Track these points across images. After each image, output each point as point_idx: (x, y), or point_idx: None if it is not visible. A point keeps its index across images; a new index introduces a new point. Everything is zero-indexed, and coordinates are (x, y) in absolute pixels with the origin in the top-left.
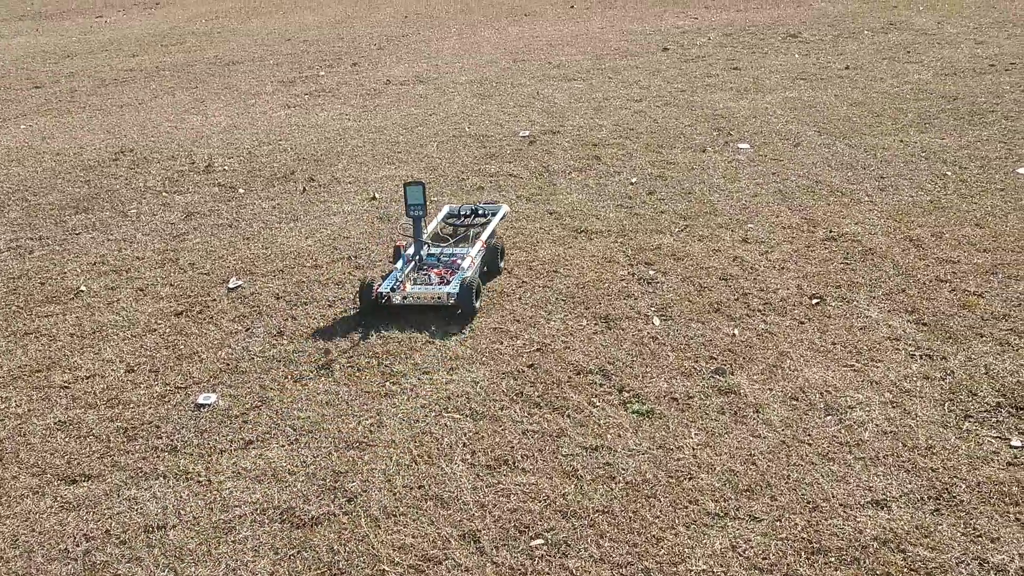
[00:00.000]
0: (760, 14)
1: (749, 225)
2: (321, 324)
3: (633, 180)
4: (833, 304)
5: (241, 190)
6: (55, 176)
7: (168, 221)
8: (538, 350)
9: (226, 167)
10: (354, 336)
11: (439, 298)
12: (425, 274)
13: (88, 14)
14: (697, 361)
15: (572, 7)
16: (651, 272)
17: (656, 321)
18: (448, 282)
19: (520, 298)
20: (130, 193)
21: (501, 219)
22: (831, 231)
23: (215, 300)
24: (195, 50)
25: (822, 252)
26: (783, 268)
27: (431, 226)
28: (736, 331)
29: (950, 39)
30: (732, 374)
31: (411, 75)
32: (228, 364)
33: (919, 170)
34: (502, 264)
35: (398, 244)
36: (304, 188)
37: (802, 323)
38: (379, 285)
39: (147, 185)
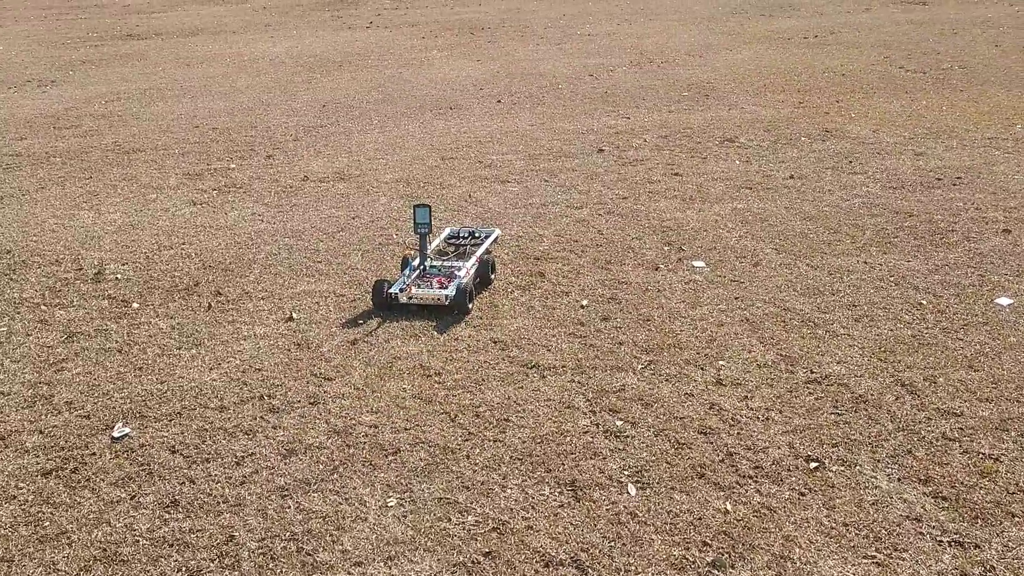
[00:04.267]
0: (693, 116)
1: (720, 362)
2: (226, 491)
3: (584, 303)
4: (834, 469)
5: (135, 305)
6: None
7: (44, 344)
8: (495, 530)
9: (119, 275)
10: (267, 508)
11: (438, 299)
12: (428, 281)
13: None
14: (688, 548)
15: (499, 102)
16: (618, 423)
17: (632, 490)
18: (445, 287)
19: (468, 456)
20: (1, 306)
21: (493, 241)
22: (812, 371)
23: (95, 455)
24: (92, 134)
25: (807, 399)
26: (768, 419)
27: (434, 244)
28: (729, 505)
29: (889, 149)
30: (732, 567)
31: (331, 171)
32: (105, 550)
33: (892, 298)
34: (493, 276)
35: (406, 254)
36: (210, 304)
37: (803, 495)
38: (389, 286)
39: (23, 296)
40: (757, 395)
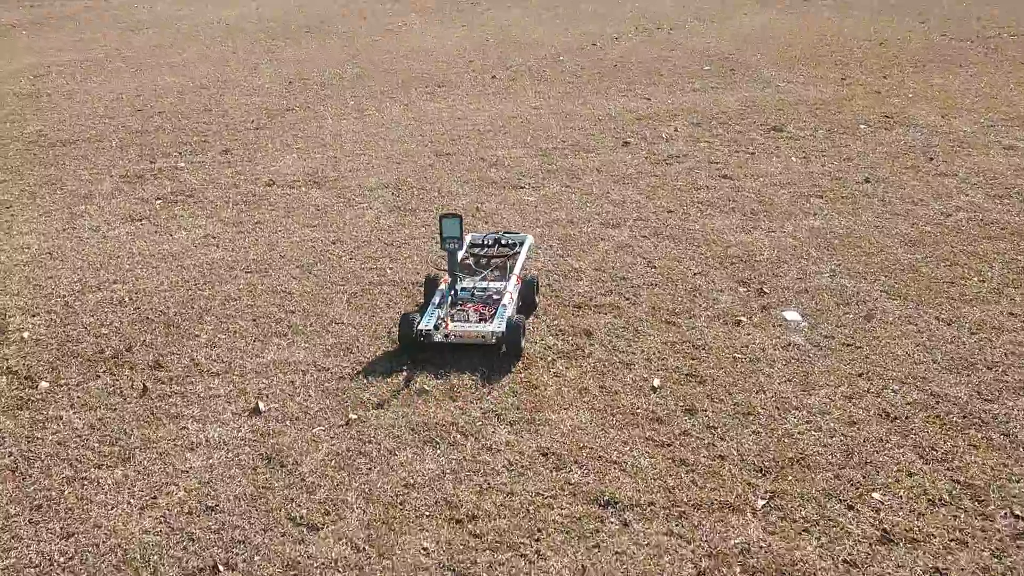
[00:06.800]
0: (724, 96)
1: (875, 495)
2: None
3: (655, 382)
4: None
5: (44, 384)
6: None
7: None
8: None
9: (26, 333)
10: None
11: (483, 337)
12: (462, 310)
13: None
14: None
15: (494, 77)
16: None
17: None
18: (487, 319)
19: None
20: None
21: (528, 250)
22: (1016, 516)
23: None
24: (12, 120)
25: None
26: None
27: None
28: None
29: (970, 140)
30: None
31: (302, 172)
32: None
33: None
34: (538, 299)
35: (443, 280)
36: (145, 386)
37: None
38: (419, 321)
39: None
40: (954, 567)
